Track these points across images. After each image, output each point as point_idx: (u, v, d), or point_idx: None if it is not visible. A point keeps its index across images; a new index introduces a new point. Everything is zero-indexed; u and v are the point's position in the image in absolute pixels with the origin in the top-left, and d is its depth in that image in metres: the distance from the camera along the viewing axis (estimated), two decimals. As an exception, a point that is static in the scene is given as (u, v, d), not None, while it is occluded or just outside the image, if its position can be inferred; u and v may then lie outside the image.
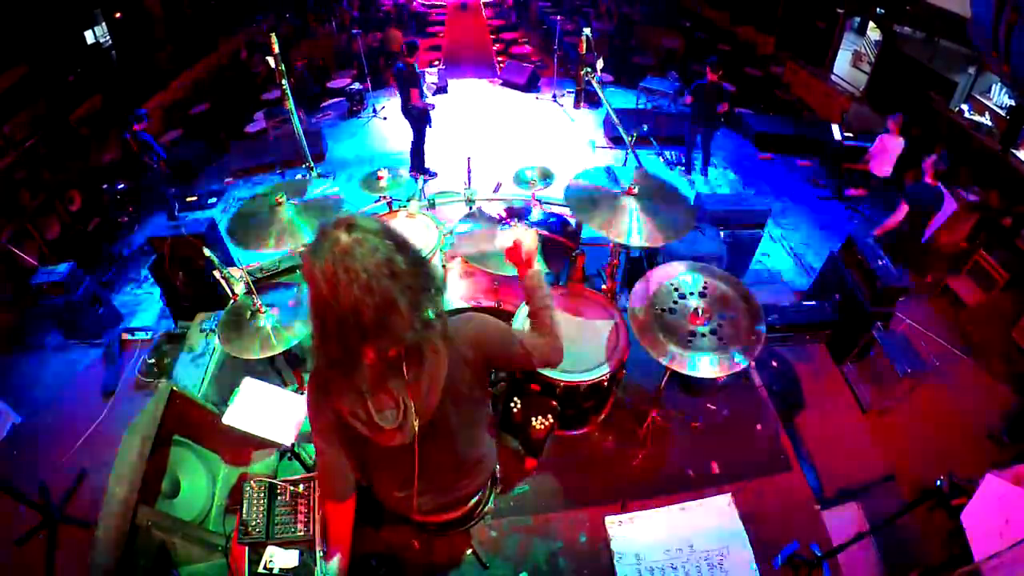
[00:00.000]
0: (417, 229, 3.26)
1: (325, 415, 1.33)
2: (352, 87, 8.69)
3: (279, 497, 2.13)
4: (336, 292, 1.04)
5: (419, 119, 6.22)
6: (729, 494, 2.59)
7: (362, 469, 1.50)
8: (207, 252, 2.50)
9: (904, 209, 4.29)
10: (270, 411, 2.27)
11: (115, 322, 4.75)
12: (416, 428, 1.28)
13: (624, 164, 4.00)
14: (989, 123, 6.10)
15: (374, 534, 2.44)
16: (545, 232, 2.93)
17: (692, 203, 4.23)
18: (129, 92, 7.42)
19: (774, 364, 3.76)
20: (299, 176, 3.17)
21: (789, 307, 4.05)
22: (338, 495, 1.45)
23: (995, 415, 3.73)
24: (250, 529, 2.03)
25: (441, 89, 9.26)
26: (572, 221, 3.10)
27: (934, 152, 4.42)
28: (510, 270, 2.77)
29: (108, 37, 7.78)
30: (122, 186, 6.49)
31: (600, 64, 2.92)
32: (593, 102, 8.50)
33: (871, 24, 8.66)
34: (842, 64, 8.77)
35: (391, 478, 1.51)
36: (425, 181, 6.38)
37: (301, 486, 2.15)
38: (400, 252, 1.10)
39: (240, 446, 2.69)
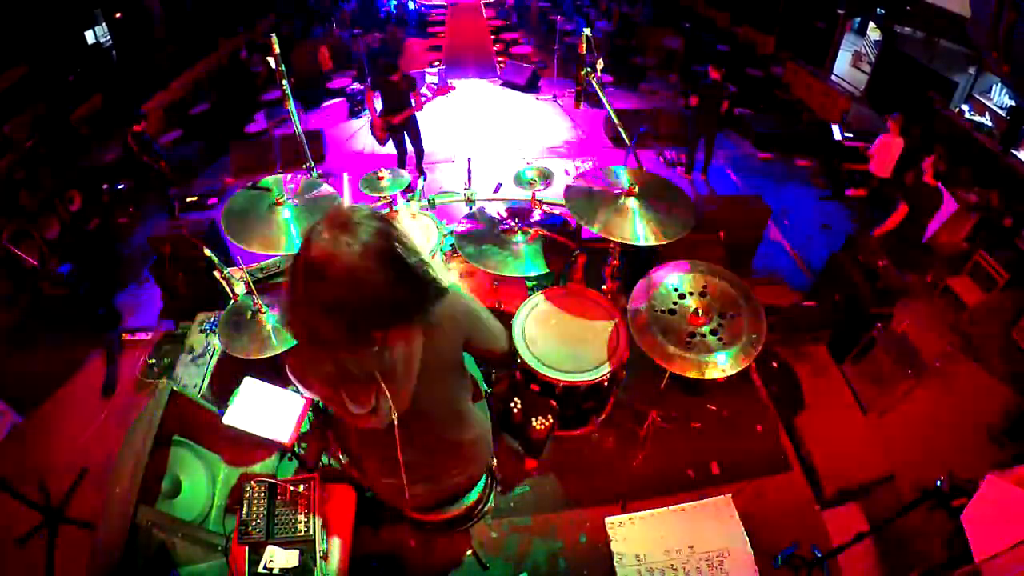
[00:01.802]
0: (417, 229, 3.26)
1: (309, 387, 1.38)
2: (352, 87, 8.69)
3: (279, 497, 2.13)
4: (318, 292, 1.06)
5: (414, 120, 6.16)
6: (729, 494, 2.59)
7: (349, 454, 1.50)
8: (207, 252, 2.50)
9: (904, 209, 4.29)
10: (270, 411, 2.27)
11: (115, 322, 4.75)
12: (393, 414, 1.27)
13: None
14: (989, 123, 6.11)
15: (374, 534, 2.45)
16: (545, 231, 2.93)
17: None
18: (129, 92, 7.42)
19: (774, 364, 3.76)
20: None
21: (789, 307, 4.05)
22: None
23: (995, 415, 3.73)
24: (250, 529, 2.03)
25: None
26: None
27: (934, 152, 4.42)
28: (510, 270, 2.78)
29: (108, 37, 7.79)
30: (122, 186, 6.49)
31: (600, 64, 2.91)
32: (594, 102, 8.50)
33: (871, 24, 8.66)
34: (842, 64, 8.77)
35: (377, 462, 1.50)
36: (424, 179, 6.38)
37: (301, 486, 2.15)
38: (389, 263, 1.09)
39: (240, 446, 2.69)
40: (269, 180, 2.84)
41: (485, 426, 1.74)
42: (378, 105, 5.83)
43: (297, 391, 2.38)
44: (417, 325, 1.23)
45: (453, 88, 5.70)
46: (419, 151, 6.32)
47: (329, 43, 9.66)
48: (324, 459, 2.63)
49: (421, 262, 1.16)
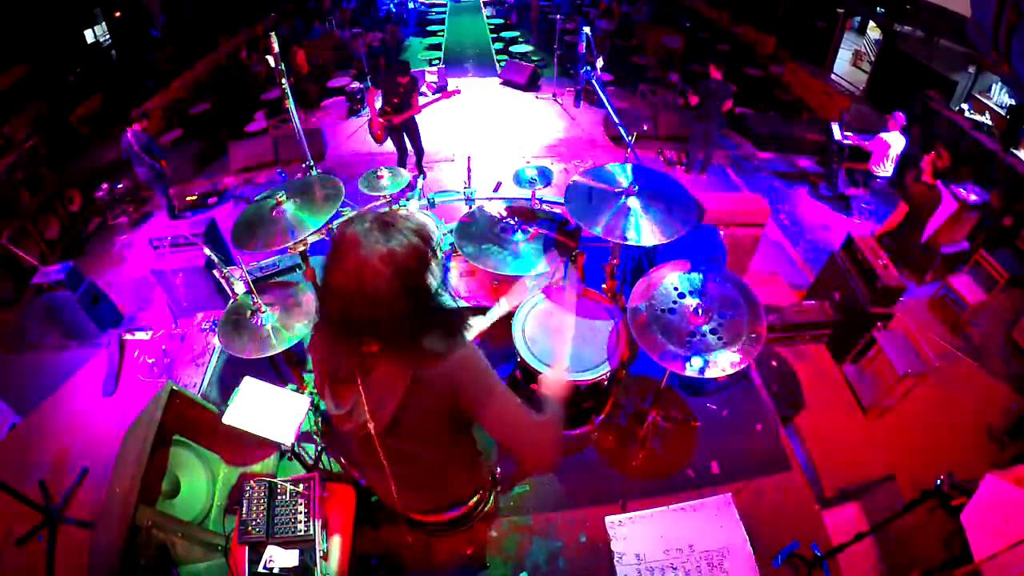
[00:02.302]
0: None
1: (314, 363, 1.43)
2: (352, 86, 8.69)
3: (279, 497, 2.13)
4: (332, 271, 1.11)
5: (413, 121, 6.13)
6: (729, 494, 2.59)
7: (349, 454, 1.51)
8: (207, 251, 2.50)
9: (903, 209, 4.29)
10: (270, 411, 2.26)
11: (115, 322, 4.75)
12: (370, 425, 1.27)
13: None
14: (989, 122, 6.10)
15: (374, 534, 2.45)
16: (545, 231, 2.93)
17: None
18: (129, 92, 7.43)
19: (774, 364, 3.76)
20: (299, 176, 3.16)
21: (789, 307, 4.05)
22: None
23: (995, 415, 3.73)
24: (250, 529, 2.03)
25: (442, 88, 9.25)
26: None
27: (933, 151, 4.41)
28: (510, 269, 2.78)
29: (108, 36, 7.80)
30: (122, 186, 6.49)
31: (600, 63, 2.92)
32: (593, 101, 8.50)
33: (871, 23, 8.66)
34: (842, 64, 8.77)
35: (370, 466, 1.50)
36: (424, 178, 6.37)
37: (301, 486, 2.15)
38: (402, 278, 1.09)
39: (240, 446, 2.68)
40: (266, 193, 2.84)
41: (485, 446, 1.68)
42: (377, 104, 5.81)
43: (296, 389, 2.38)
44: (404, 356, 1.20)
45: (458, 91, 5.67)
46: (419, 150, 6.31)
47: (306, 48, 9.62)
48: (324, 460, 2.63)
49: (439, 299, 1.18)
